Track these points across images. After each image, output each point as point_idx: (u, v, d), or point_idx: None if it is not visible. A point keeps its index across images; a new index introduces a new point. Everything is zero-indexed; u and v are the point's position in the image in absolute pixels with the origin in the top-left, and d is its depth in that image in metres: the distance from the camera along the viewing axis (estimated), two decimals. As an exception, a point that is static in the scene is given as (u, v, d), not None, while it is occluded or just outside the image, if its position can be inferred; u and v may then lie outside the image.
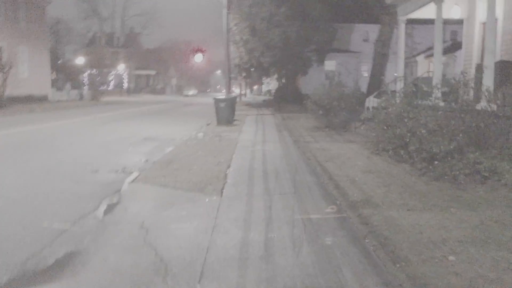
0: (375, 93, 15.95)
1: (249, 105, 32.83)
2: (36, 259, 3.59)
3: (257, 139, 11.14)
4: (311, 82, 28.24)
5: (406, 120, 6.94)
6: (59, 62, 53.98)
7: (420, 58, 32.71)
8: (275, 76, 32.45)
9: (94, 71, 63.52)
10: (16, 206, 5.16)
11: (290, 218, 4.43)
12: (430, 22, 12.04)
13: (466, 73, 7.65)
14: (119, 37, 74.62)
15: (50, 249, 3.82)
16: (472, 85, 7.90)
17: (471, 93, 7.83)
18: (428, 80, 10.96)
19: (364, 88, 28.79)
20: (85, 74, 66.57)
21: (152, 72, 79.05)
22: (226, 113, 15.39)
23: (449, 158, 5.90)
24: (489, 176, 5.56)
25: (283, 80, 33.09)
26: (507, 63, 9.11)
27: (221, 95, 16.92)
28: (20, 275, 3.29)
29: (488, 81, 7.85)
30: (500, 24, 10.15)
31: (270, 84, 54.55)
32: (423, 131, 6.18)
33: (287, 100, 29.51)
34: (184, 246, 3.75)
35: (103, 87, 52.53)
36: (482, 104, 6.59)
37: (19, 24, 30.72)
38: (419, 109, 6.93)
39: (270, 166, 7.33)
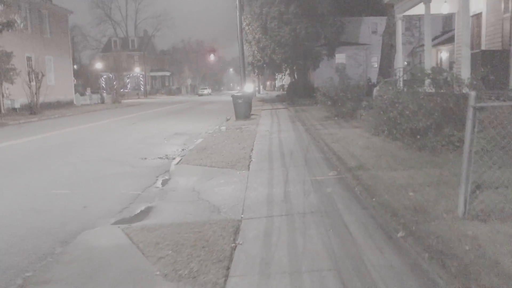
0: (381, 83, 17.30)
1: (263, 100, 34.38)
2: (127, 210, 5.25)
3: (273, 129, 12.71)
4: (322, 76, 29.64)
5: (396, 105, 8.42)
6: (75, 67, 56.14)
7: (427, 47, 33.69)
8: (287, 71, 33.89)
9: (111, 75, 65.87)
10: (98, 181, 6.86)
11: (302, 179, 6.01)
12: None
13: (454, 62, 9.05)
14: (133, 40, 76.80)
15: (134, 205, 5.48)
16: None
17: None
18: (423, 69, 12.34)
19: (374, 78, 30.14)
20: (103, 78, 69.12)
21: (167, 73, 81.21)
22: (244, 109, 16.97)
23: (428, 133, 7.39)
24: (459, 145, 7.02)
25: (295, 75, 34.54)
26: (489, 52, 10.48)
27: (237, 92, 18.52)
28: (120, 218, 4.93)
29: (465, 68, 9.28)
30: (484, 17, 11.50)
31: (283, 79, 56.00)
32: (407, 112, 7.68)
33: (300, 94, 30.95)
34: (228, 198, 5.36)
35: (122, 90, 54.53)
36: (456, 88, 8.02)
37: (44, 35, 32.80)
38: (409, 94, 8.39)
39: (285, 148, 8.91)
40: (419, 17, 31.41)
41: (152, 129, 14.98)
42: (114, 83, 64.02)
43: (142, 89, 69.22)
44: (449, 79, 8.42)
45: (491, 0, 11.06)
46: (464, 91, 8.18)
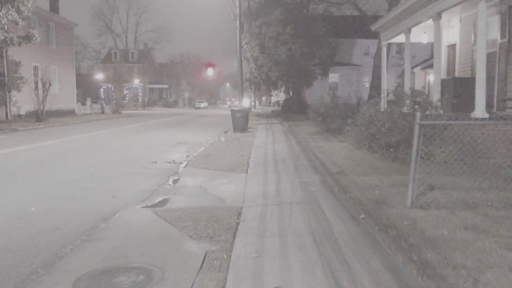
0: (373, 102, 18.72)
1: (259, 115, 35.72)
2: (148, 200, 6.47)
3: (268, 141, 14.01)
4: (316, 94, 31.17)
5: (376, 122, 9.76)
6: (75, 77, 57.25)
7: (417, 70, 35.47)
8: (283, 88, 35.40)
9: (110, 85, 67.19)
10: (118, 179, 8.08)
11: (291, 181, 7.28)
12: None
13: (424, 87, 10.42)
14: (133, 52, 78.39)
15: (153, 196, 6.70)
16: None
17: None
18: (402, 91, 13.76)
19: (366, 97, 31.70)
20: (102, 89, 70.42)
21: (165, 86, 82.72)
22: (241, 122, 18.29)
23: (400, 147, 8.71)
24: (427, 157, 8.33)
25: (290, 92, 36.02)
26: (460, 79, 11.90)
27: (235, 107, 19.85)
28: (144, 205, 6.15)
29: (436, 93, 10.68)
30: (457, 47, 12.97)
31: (279, 95, 57.57)
32: (383, 129, 9.01)
33: (294, 110, 32.40)
34: (230, 193, 6.60)
35: (119, 101, 55.80)
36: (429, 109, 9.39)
37: (51, 46, 34.13)
38: (385, 114, 9.72)
39: (279, 157, 10.20)
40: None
41: (156, 138, 16.21)
42: (113, 94, 65.35)
43: (140, 100, 70.50)
44: (420, 101, 9.80)
45: (463, 33, 12.54)
46: (428, 112, 9.58)
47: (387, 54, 29.89)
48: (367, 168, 8.09)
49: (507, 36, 10.25)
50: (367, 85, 34.97)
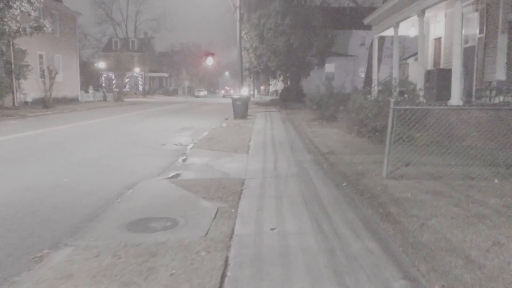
0: (363, 91, 19.71)
1: (258, 104, 36.66)
2: (163, 174, 7.47)
3: (267, 127, 15.01)
4: (313, 83, 32.01)
5: (364, 109, 10.75)
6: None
7: (410, 60, 36.37)
8: (281, 78, 36.28)
9: (111, 74, 67.88)
10: (134, 158, 9.09)
11: (287, 159, 8.30)
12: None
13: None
14: (133, 41, 78.87)
15: (167, 171, 7.70)
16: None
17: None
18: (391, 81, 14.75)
19: (361, 87, 32.67)
20: (103, 77, 71.08)
21: (165, 75, 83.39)
22: (242, 109, 19.26)
23: (385, 131, 9.71)
24: (408, 140, 9.35)
25: (288, 82, 36.92)
26: (443, 70, 12.86)
27: (234, 95, 20.79)
28: (161, 178, 7.16)
29: (420, 82, 11.67)
30: (442, 41, 13.92)
31: (277, 85, 58.44)
32: (370, 115, 10.01)
33: (292, 99, 33.32)
34: (234, 169, 7.61)
35: (122, 89, 56.61)
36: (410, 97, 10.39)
37: (55, 35, 34.83)
38: (372, 101, 10.71)
39: (276, 140, 11.20)
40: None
41: (161, 124, 17.20)
42: (114, 82, 66.00)
43: (140, 88, 71.21)
44: (404, 90, 10.81)
45: (448, 27, 13.48)
46: (417, 100, 10.59)
47: (382, 46, 30.90)
48: (354, 149, 9.11)
49: (484, 31, 11.20)
50: (363, 75, 35.90)
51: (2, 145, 10.70)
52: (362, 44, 37.89)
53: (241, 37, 27.27)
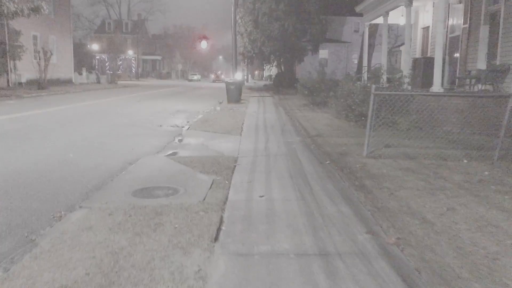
0: (352, 78, 20.25)
1: (252, 89, 37.09)
2: (161, 152, 8.01)
3: (260, 111, 15.55)
4: (307, 69, 32.53)
5: (352, 95, 11.33)
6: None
7: (403, 48, 36.87)
8: (275, 63, 36.68)
9: (104, 56, 67.55)
10: (132, 137, 9.61)
11: (277, 141, 8.88)
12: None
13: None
14: (127, 23, 78.42)
15: (164, 150, 8.25)
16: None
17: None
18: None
19: (353, 73, 33.25)
20: (96, 59, 70.74)
21: (158, 58, 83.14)
22: (235, 94, 19.74)
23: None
24: (391, 125, 9.97)
25: (282, 67, 37.35)
26: (430, 58, 13.43)
27: (229, 80, 21.26)
28: (158, 155, 7.71)
29: (405, 71, 12.25)
30: (430, 30, 14.46)
31: (271, 70, 58.66)
32: (357, 100, 10.59)
33: (285, 84, 33.82)
34: (228, 149, 8.18)
35: (116, 72, 56.60)
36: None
37: (49, 15, 34.81)
38: (359, 88, 11.28)
39: (268, 123, 11.77)
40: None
41: (156, 107, 17.66)
42: (107, 64, 65.75)
43: (133, 71, 71.05)
44: (390, 77, 11.37)
45: (435, 17, 14.02)
46: (404, 87, 11.19)
47: (375, 33, 31.39)
48: (341, 133, 9.72)
49: (468, 22, 11.76)
50: (356, 61, 36.38)
51: (5, 124, 11.16)
52: (356, 31, 38.29)
53: (235, 22, 27.59)
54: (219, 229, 3.59)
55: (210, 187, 5.11)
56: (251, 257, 3.05)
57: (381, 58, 17.68)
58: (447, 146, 7.83)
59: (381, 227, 3.70)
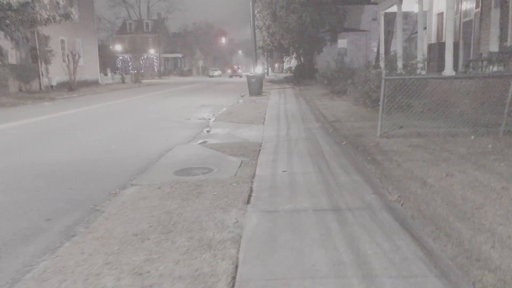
0: (368, 66, 20.63)
1: (272, 81, 37.72)
2: (192, 141, 8.82)
3: (281, 102, 16.23)
4: (326, 59, 32.88)
5: (368, 82, 11.88)
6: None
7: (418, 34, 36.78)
8: (294, 55, 37.16)
9: (126, 56, 69.24)
10: (164, 130, 10.46)
11: (298, 127, 9.56)
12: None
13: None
14: (147, 22, 79.97)
15: (194, 140, 9.04)
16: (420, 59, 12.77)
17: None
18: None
19: (373, 61, 33.46)
20: (119, 59, 72.53)
21: (179, 55, 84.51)
22: (256, 87, 20.46)
23: (386, 100, 10.85)
24: (406, 108, 10.49)
25: (301, 59, 37.79)
26: (444, 44, 13.81)
27: (250, 73, 21.98)
28: (190, 144, 8.51)
29: (420, 55, 12.67)
30: (444, 15, 14.77)
31: (291, 62, 59.06)
32: (373, 87, 11.14)
33: (305, 75, 34.27)
34: (252, 136, 8.91)
35: (138, 71, 58.13)
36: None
37: (74, 19, 36.24)
38: (375, 75, 11.81)
39: (289, 113, 12.45)
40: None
41: (182, 102, 18.55)
42: (130, 64, 67.38)
43: (156, 70, 72.54)
44: (406, 64, 11.87)
45: (449, 2, 14.34)
46: (417, 72, 11.68)
47: (393, 21, 31.45)
48: (358, 118, 10.32)
49: (480, 6, 12.10)
50: (375, 49, 36.45)
51: (48, 123, 12.20)
52: (374, 19, 38.33)
53: (254, 16, 28.22)
54: (249, 195, 4.33)
55: (240, 166, 5.85)
56: (277, 213, 3.78)
57: (400, 45, 18.07)
58: (458, 125, 8.35)
59: (387, 189, 4.36)
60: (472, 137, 7.22)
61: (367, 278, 2.55)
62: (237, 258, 2.91)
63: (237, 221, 3.57)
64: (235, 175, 5.28)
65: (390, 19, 31.30)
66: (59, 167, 6.50)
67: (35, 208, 4.52)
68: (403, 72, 12.74)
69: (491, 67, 10.66)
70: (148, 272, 2.74)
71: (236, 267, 2.78)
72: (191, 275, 2.68)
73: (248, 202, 4.13)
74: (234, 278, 2.63)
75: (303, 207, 3.91)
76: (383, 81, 7.29)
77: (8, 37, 20.58)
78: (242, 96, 20.81)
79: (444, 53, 13.18)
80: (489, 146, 6.38)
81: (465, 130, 7.68)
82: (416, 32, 37.26)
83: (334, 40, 34.67)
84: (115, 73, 52.04)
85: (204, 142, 8.53)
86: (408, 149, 6.34)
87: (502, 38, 11.46)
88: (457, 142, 6.83)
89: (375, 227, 3.34)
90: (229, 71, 77.05)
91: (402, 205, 3.86)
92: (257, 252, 2.97)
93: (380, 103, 7.50)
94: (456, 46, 13.27)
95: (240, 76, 63.86)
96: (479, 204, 3.81)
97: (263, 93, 21.12)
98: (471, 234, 3.17)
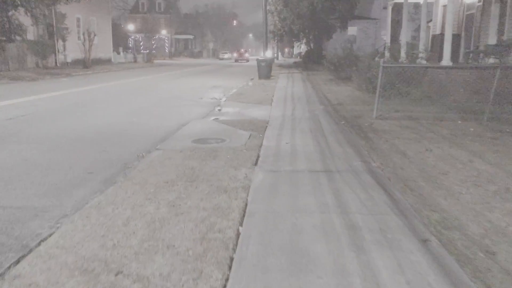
0: (373, 54, 21.25)
1: (281, 66, 38.31)
2: (206, 118, 9.66)
3: (288, 85, 16.99)
4: (335, 46, 33.38)
5: (371, 69, 12.61)
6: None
7: (421, 25, 37.03)
8: (304, 40, 37.63)
9: (139, 36, 69.80)
10: (179, 107, 11.31)
11: (302, 109, 10.37)
12: None
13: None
14: (160, 2, 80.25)
15: (207, 116, 9.88)
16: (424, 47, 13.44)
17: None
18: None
19: (382, 49, 33.86)
20: (131, 39, 73.11)
21: (190, 37, 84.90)
22: (266, 70, 21.19)
23: (386, 87, 11.60)
24: (406, 95, 11.26)
25: (311, 44, 38.27)
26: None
27: (260, 57, 22.67)
28: (204, 120, 9.36)
29: (422, 45, 13.35)
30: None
31: (300, 47, 59.37)
32: (375, 73, 11.87)
33: (314, 61, 34.79)
34: (260, 115, 9.74)
35: (149, 51, 58.87)
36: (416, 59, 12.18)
37: (90, -2, 36.93)
38: (377, 63, 12.52)
39: (295, 96, 13.24)
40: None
41: (194, 83, 19.37)
42: (141, 43, 67.98)
43: (167, 50, 73.11)
44: (409, 53, 12.57)
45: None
46: (418, 61, 12.37)
47: (402, 10, 31.82)
48: (359, 102, 11.10)
49: (482, 0, 12.70)
50: (385, 38, 36.83)
51: (70, 97, 13.10)
52: (385, 8, 38.44)
53: (266, 0, 28.78)
54: (257, 159, 5.20)
55: (249, 138, 6.71)
56: (279, 172, 4.64)
57: (410, 34, 18.67)
58: (449, 111, 9.12)
59: (372, 159, 5.21)
60: (459, 122, 8.00)
61: (344, 214, 3.42)
62: (247, 199, 3.78)
63: (247, 176, 4.45)
64: (245, 144, 6.14)
65: (400, 8, 31.67)
66: (90, 134, 7.40)
67: (77, 164, 5.42)
68: (404, 61, 13.46)
69: (487, 59, 11.33)
70: (180, 205, 3.63)
71: (246, 204, 3.65)
72: (212, 207, 3.56)
73: (255, 164, 4.99)
74: (244, 211, 3.51)
75: (300, 168, 4.77)
76: (380, 68, 8.06)
77: (28, 14, 21.43)
78: (252, 79, 21.56)
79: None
80: (471, 129, 7.17)
81: (454, 116, 8.46)
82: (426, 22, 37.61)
83: (344, 27, 35.02)
84: (127, 52, 52.76)
85: (217, 118, 9.37)
86: (398, 129, 7.15)
87: (500, 31, 12.10)
88: (444, 125, 7.62)
89: (357, 184, 4.19)
90: (235, 54, 67.78)
91: (382, 170, 4.71)
92: (262, 196, 3.84)
93: (378, 87, 8.28)
94: (458, 37, 13.90)
95: (247, 61, 57.76)
96: (445, 171, 4.64)
97: (272, 77, 21.85)
98: (430, 190, 4.02)
